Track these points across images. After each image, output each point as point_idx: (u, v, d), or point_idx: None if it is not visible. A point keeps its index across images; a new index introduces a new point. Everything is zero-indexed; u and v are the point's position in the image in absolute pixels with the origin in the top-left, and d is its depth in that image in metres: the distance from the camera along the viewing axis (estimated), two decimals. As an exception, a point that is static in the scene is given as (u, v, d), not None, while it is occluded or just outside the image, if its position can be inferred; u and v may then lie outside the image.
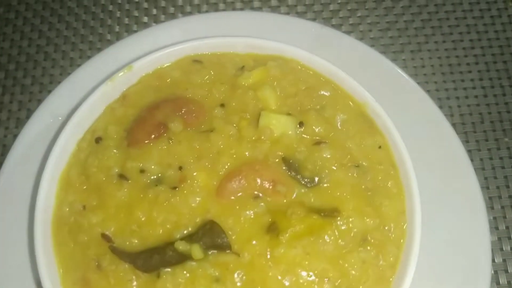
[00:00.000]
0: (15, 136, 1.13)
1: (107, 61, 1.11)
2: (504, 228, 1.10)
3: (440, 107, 1.19)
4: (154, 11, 1.34)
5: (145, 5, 1.35)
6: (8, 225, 0.91)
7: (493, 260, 1.06)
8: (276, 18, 1.15)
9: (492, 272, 1.03)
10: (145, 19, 1.34)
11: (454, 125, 1.17)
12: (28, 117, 1.14)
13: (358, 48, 1.09)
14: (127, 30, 1.33)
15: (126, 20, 1.34)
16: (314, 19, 1.31)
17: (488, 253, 0.92)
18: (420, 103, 1.07)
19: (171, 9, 1.34)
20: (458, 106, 1.22)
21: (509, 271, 1.06)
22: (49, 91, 1.22)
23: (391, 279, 0.78)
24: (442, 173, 0.99)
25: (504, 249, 1.08)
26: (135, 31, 1.33)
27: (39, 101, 1.23)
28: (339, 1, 1.34)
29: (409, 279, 0.76)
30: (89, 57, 1.28)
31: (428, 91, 1.18)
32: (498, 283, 1.05)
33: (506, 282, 1.06)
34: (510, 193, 1.13)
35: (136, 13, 1.34)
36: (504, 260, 1.07)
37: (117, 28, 1.33)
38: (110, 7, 1.36)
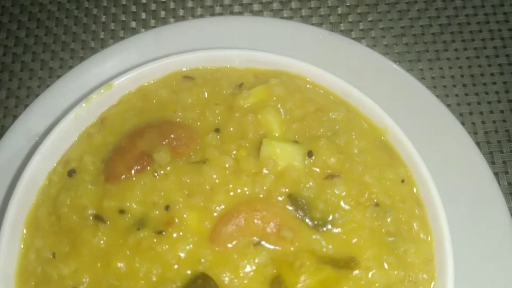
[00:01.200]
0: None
1: (89, 73, 0.99)
2: (538, 262, 0.98)
3: (463, 123, 1.07)
4: (143, 15, 1.21)
5: (133, 8, 1.22)
6: None
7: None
8: (279, 24, 1.02)
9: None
10: (133, 24, 1.21)
11: (478, 144, 1.06)
12: (1, 134, 1.02)
13: (370, 57, 0.97)
14: (112, 36, 1.20)
15: (112, 26, 1.21)
16: (320, 24, 1.18)
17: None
18: (441, 120, 0.95)
19: (162, 13, 1.21)
20: (482, 123, 1.10)
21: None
22: (26, 106, 1.11)
23: None
24: (468, 205, 0.87)
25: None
26: (122, 38, 1.20)
27: (15, 117, 1.11)
28: (348, 3, 1.21)
29: None
30: (70, 67, 1.17)
31: (448, 105, 1.07)
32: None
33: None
34: (541, 219, 1.01)
35: (123, 18, 1.21)
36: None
37: (101, 35, 1.20)
38: (95, 11, 1.23)
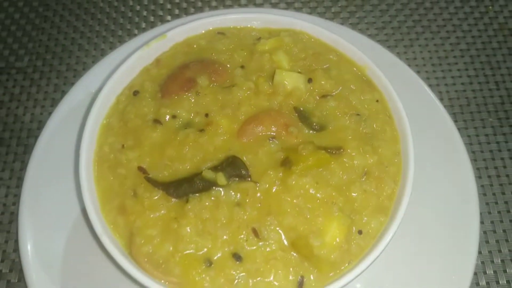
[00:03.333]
0: (50, 114, 1.27)
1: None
2: (491, 194, 1.22)
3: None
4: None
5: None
6: (58, 166, 1.06)
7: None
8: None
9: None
10: (177, 11, 1.50)
11: (444, 107, 1.33)
12: (62, 97, 1.28)
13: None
14: (161, 20, 1.49)
15: (161, 13, 1.51)
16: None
17: (475, 197, 1.05)
18: (416, 89, 1.22)
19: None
20: (447, 92, 1.37)
21: (496, 231, 1.17)
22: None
23: (388, 208, 0.89)
24: (435, 143, 1.13)
25: (492, 212, 1.20)
26: (168, 21, 1.48)
27: (72, 84, 1.37)
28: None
29: (404, 208, 0.87)
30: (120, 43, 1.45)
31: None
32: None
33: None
34: (495, 164, 1.25)
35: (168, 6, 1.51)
36: (492, 222, 1.18)
37: (151, 18, 1.49)
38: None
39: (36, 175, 1.08)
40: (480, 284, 1.11)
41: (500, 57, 1.42)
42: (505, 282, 1.11)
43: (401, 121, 0.94)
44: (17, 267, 1.13)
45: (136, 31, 1.49)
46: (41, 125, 1.33)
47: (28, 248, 1.01)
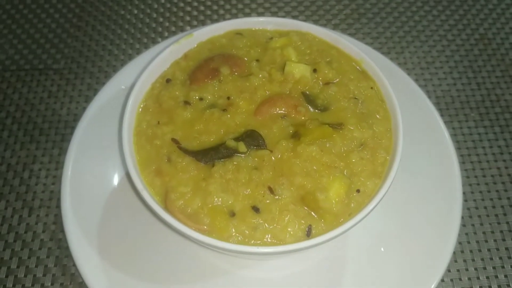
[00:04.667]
0: (84, 108, 1.45)
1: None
2: (474, 177, 1.39)
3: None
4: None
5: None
6: (109, 138, 1.28)
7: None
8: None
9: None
10: (201, 17, 1.71)
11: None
12: (95, 94, 1.46)
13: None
14: (181, 30, 1.69)
15: (188, 18, 1.71)
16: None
17: (459, 178, 1.22)
18: (407, 86, 1.40)
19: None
20: (434, 91, 1.56)
21: (478, 208, 1.33)
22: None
23: (382, 173, 1.06)
24: (424, 134, 1.31)
25: (474, 192, 1.36)
26: (195, 26, 1.70)
27: (103, 84, 1.55)
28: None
29: (394, 173, 1.04)
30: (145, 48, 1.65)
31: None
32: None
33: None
34: (477, 152, 1.42)
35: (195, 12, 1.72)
36: (474, 200, 1.35)
37: (180, 22, 1.69)
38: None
39: (78, 149, 1.26)
40: (464, 251, 1.26)
41: (480, 62, 1.62)
42: (486, 250, 1.26)
43: (392, 103, 1.12)
44: (57, 237, 1.28)
45: (159, 39, 1.69)
46: (76, 117, 1.50)
47: (69, 209, 1.18)
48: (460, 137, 1.45)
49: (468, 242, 1.28)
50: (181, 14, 1.75)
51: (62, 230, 1.28)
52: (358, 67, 1.22)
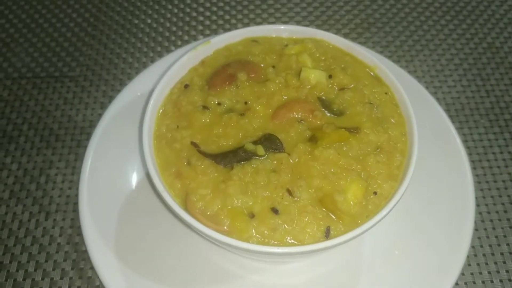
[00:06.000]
0: (100, 115, 1.48)
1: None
2: (485, 182, 1.40)
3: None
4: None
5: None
6: (126, 143, 1.31)
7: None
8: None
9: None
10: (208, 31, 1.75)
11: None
12: (110, 101, 1.49)
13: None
14: (194, 39, 1.73)
15: (194, 29, 1.75)
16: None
17: (471, 183, 1.24)
18: (418, 93, 1.43)
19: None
20: (443, 98, 1.58)
21: (490, 213, 1.35)
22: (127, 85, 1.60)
23: (398, 176, 1.07)
24: (436, 139, 1.33)
25: (485, 197, 1.37)
26: (208, 35, 1.73)
27: (119, 91, 1.58)
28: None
29: (410, 176, 1.05)
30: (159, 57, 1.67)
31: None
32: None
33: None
34: (487, 158, 1.44)
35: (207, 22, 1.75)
36: (486, 205, 1.36)
37: (193, 31, 1.73)
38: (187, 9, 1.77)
39: (95, 153, 1.29)
40: (477, 255, 1.27)
41: (489, 70, 1.64)
42: (499, 254, 1.27)
43: (406, 108, 1.14)
44: (73, 241, 1.30)
45: (173, 48, 1.72)
46: (92, 124, 1.53)
47: (86, 211, 1.20)
48: (471, 143, 1.47)
49: (481, 246, 1.29)
50: (194, 23, 1.79)
51: (79, 234, 1.30)
52: (372, 73, 1.24)
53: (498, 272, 1.24)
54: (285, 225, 0.99)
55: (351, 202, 1.01)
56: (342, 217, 1.00)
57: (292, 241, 0.98)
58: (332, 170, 1.04)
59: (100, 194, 1.25)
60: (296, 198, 1.01)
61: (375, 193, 1.04)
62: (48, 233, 1.32)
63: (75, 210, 1.33)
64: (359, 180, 1.03)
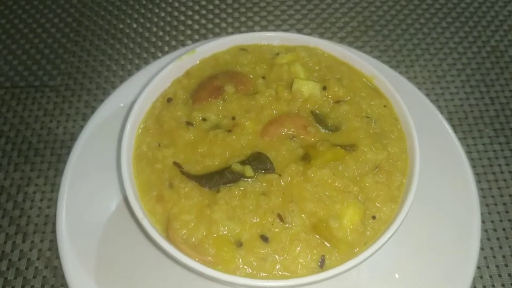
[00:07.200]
0: (81, 127, 1.39)
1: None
2: (491, 196, 1.32)
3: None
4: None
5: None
6: (108, 158, 1.20)
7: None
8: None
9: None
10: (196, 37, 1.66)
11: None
12: (92, 112, 1.40)
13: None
14: (182, 44, 1.63)
15: (182, 37, 1.66)
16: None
17: (476, 199, 1.15)
18: (418, 102, 1.34)
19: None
20: (446, 106, 1.49)
21: (497, 230, 1.26)
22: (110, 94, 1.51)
23: (398, 197, 0.99)
24: (438, 151, 1.24)
25: (491, 213, 1.29)
26: (188, 45, 1.63)
27: (102, 101, 1.49)
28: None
29: (412, 197, 0.97)
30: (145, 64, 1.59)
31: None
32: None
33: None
34: (493, 170, 1.36)
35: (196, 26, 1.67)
36: (492, 222, 1.28)
37: (173, 43, 1.64)
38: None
39: (74, 172, 1.20)
40: (483, 277, 1.19)
41: (493, 75, 1.56)
42: (506, 275, 1.19)
43: (407, 123, 1.06)
44: (52, 264, 1.21)
45: (159, 54, 1.63)
46: (73, 137, 1.44)
47: (64, 236, 1.11)
48: (475, 155, 1.39)
49: (487, 267, 1.21)
50: (182, 28, 1.70)
51: (58, 257, 1.21)
52: (369, 84, 1.15)
53: (506, 295, 1.16)
54: (276, 254, 0.91)
55: (348, 229, 0.93)
56: (338, 245, 0.91)
57: (284, 272, 0.90)
58: (327, 193, 0.96)
59: (80, 215, 1.16)
60: (287, 225, 0.93)
61: (373, 217, 0.95)
62: (25, 256, 1.23)
63: (54, 231, 1.25)
64: (356, 203, 0.95)
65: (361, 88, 1.13)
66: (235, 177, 0.98)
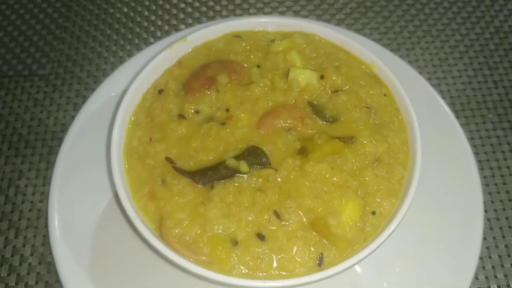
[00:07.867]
0: (73, 117, 1.34)
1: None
2: (494, 184, 1.29)
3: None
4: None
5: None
6: (91, 157, 1.16)
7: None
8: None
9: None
10: (190, 20, 1.60)
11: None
12: (84, 102, 1.35)
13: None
14: (175, 29, 1.57)
15: (175, 22, 1.60)
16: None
17: (478, 187, 1.12)
18: (419, 87, 1.29)
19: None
20: (448, 91, 1.45)
21: (500, 219, 1.24)
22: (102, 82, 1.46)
23: (399, 191, 0.96)
24: (439, 138, 1.20)
25: (494, 201, 1.26)
26: (181, 30, 1.57)
27: (93, 90, 1.44)
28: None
29: (413, 191, 0.94)
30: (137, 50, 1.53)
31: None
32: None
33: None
34: (496, 157, 1.32)
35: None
36: (495, 210, 1.25)
37: (166, 27, 1.58)
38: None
39: (65, 166, 1.16)
40: (486, 268, 1.17)
41: (497, 58, 1.50)
42: (509, 265, 1.17)
43: (408, 113, 1.02)
44: (46, 260, 1.19)
45: (152, 40, 1.57)
46: (64, 127, 1.40)
47: (57, 234, 1.08)
48: (478, 141, 1.35)
49: (490, 257, 1.18)
50: (174, 11, 1.63)
51: (52, 253, 1.19)
52: (369, 72, 1.11)
53: (508, 286, 1.14)
54: (272, 253, 0.88)
55: (347, 225, 0.89)
56: (336, 243, 0.89)
57: (281, 272, 0.87)
58: (325, 188, 0.92)
59: (72, 210, 1.13)
60: (284, 222, 0.90)
61: (373, 212, 0.92)
62: (18, 252, 1.20)
63: (47, 225, 1.22)
64: (355, 198, 0.91)
65: (360, 77, 1.08)
66: (229, 173, 0.94)
